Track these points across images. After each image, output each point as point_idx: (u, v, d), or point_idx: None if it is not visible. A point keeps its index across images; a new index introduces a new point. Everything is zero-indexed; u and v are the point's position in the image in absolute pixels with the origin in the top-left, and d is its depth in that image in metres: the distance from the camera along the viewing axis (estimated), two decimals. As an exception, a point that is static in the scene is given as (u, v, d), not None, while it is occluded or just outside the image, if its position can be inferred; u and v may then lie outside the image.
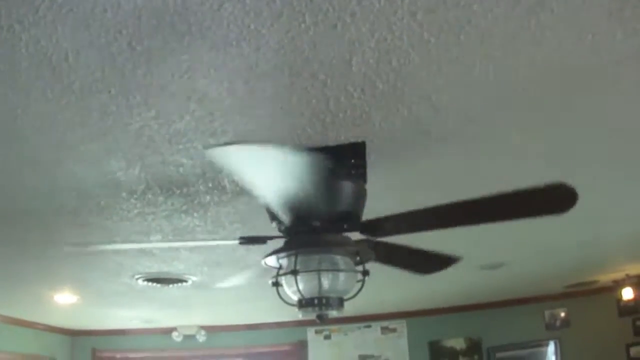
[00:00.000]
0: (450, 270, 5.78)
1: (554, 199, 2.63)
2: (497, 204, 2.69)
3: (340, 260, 2.89)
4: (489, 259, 5.56)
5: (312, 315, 2.89)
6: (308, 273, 2.83)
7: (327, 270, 2.85)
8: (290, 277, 2.81)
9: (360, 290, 2.89)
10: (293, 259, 2.82)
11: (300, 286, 2.81)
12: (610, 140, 3.12)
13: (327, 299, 2.84)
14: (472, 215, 2.83)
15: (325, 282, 2.85)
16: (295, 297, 2.87)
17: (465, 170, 3.38)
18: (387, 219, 2.86)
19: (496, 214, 2.81)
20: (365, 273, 2.87)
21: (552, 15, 2.06)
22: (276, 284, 2.90)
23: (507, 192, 2.55)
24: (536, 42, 2.20)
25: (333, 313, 2.88)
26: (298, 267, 2.79)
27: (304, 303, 2.84)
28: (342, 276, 2.87)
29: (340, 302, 2.89)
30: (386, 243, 3.06)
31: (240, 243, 3.05)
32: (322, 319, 2.88)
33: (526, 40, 2.19)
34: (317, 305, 2.84)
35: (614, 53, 2.32)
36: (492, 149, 3.12)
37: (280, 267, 2.91)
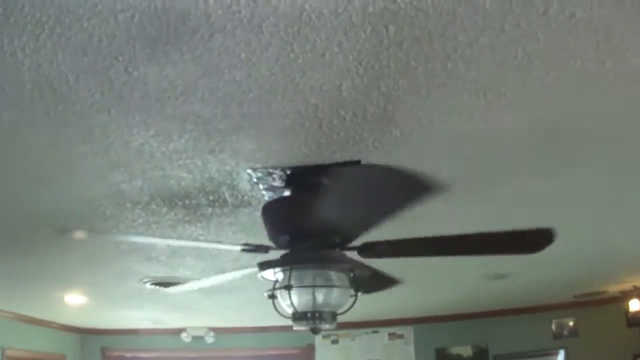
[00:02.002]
0: (456, 278, 5.87)
1: (533, 240, 2.81)
2: (480, 241, 2.88)
3: (334, 276, 2.95)
4: (494, 269, 5.59)
5: (305, 328, 2.96)
6: (302, 287, 2.90)
7: (321, 286, 2.92)
8: (285, 292, 2.87)
9: (352, 305, 2.94)
10: (288, 273, 2.89)
11: (294, 300, 2.88)
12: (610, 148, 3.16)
13: (321, 313, 2.90)
14: (460, 248, 2.99)
15: (319, 297, 2.91)
16: (289, 311, 2.94)
17: (458, 193, 3.42)
18: (384, 243, 2.94)
19: (477, 250, 2.99)
20: (358, 289, 2.93)
21: (538, 44, 2.10)
22: (272, 297, 2.96)
23: (492, 232, 2.84)
24: (524, 69, 2.25)
25: (326, 327, 2.94)
26: (292, 282, 2.86)
27: (297, 316, 2.91)
28: (335, 292, 2.94)
29: (333, 316, 2.95)
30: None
31: (243, 250, 3.11)
32: (315, 332, 2.95)
33: (514, 67, 2.24)
34: (311, 319, 2.90)
35: (603, 80, 2.37)
36: (483, 168, 3.17)
37: (277, 280, 2.98)
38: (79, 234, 4.16)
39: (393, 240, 2.90)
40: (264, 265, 2.95)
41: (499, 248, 3.04)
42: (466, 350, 7.86)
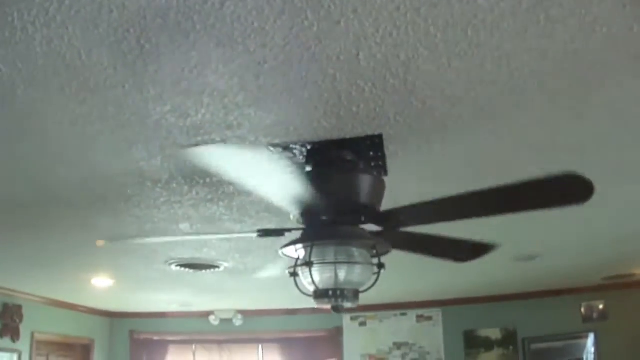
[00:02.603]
0: (485, 261, 5.76)
1: (570, 190, 2.59)
2: (512, 194, 2.66)
3: (357, 252, 2.89)
4: (524, 250, 5.52)
5: (327, 306, 2.91)
6: (324, 265, 2.85)
7: (343, 262, 2.87)
8: (306, 269, 2.83)
9: (375, 282, 2.89)
10: (309, 250, 2.85)
11: (316, 278, 2.83)
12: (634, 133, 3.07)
13: (343, 290, 2.85)
14: (489, 205, 2.81)
15: (341, 274, 2.86)
16: (311, 288, 2.89)
17: (482, 161, 3.35)
18: (403, 209, 2.86)
19: (512, 205, 2.79)
20: (381, 266, 2.87)
21: (562, 9, 2.02)
22: (294, 274, 2.92)
23: (522, 181, 2.52)
24: (547, 35, 2.17)
25: (348, 305, 2.89)
26: (313, 259, 2.81)
27: (318, 294, 2.87)
28: (357, 268, 2.88)
29: (356, 294, 2.89)
30: (413, 233, 3.06)
31: (259, 236, 3.08)
32: (337, 311, 2.90)
33: (536, 34, 2.15)
34: (332, 297, 2.85)
35: (631, 47, 2.28)
36: (508, 142, 3.09)
37: (298, 258, 2.94)
38: (100, 243, 4.19)
39: (410, 205, 2.80)
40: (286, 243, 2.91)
41: (537, 200, 2.79)
42: (495, 333, 7.80)
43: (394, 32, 2.11)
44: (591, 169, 3.41)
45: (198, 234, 4.15)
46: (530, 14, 2.04)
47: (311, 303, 2.97)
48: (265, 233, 3.04)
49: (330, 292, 2.84)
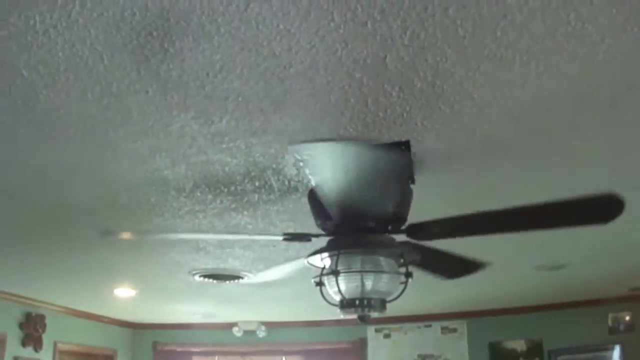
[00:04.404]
0: (510, 271, 5.72)
1: (602, 208, 2.57)
2: (542, 213, 2.65)
3: (384, 261, 2.85)
4: (550, 260, 5.43)
5: (353, 316, 2.87)
6: (350, 274, 2.80)
7: (370, 271, 2.82)
8: (332, 278, 2.79)
9: (402, 292, 2.84)
10: (335, 259, 2.80)
11: (342, 287, 2.79)
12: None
13: (369, 300, 2.81)
14: (519, 222, 2.79)
15: (368, 283, 2.81)
16: (337, 298, 2.85)
17: (515, 174, 3.29)
18: (435, 223, 2.82)
19: (540, 223, 2.78)
20: (409, 275, 2.82)
21: (592, 7, 1.96)
22: (320, 284, 2.88)
23: (555, 201, 2.53)
24: (577, 36, 2.11)
25: (375, 314, 2.84)
26: (339, 268, 2.77)
27: (345, 304, 2.82)
28: (384, 277, 2.84)
29: (383, 303, 2.85)
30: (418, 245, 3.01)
31: (284, 239, 3.06)
32: (363, 320, 2.85)
33: (566, 34, 2.09)
34: (359, 307, 2.81)
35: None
36: (540, 150, 3.03)
37: (324, 267, 2.89)
38: (126, 235, 4.15)
39: (443, 219, 2.77)
40: (312, 251, 2.87)
41: (564, 219, 2.79)
42: (520, 345, 7.68)
43: (421, 34, 2.06)
44: (618, 174, 3.38)
45: (224, 233, 4.10)
46: (559, 13, 1.98)
47: (335, 314, 2.93)
48: (291, 237, 3.00)
49: (357, 302, 2.80)
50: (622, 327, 7.32)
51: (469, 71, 2.30)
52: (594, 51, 2.21)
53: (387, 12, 1.94)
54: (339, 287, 2.77)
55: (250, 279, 4.07)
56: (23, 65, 2.22)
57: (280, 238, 3.04)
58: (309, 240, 2.98)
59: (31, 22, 1.97)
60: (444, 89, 2.41)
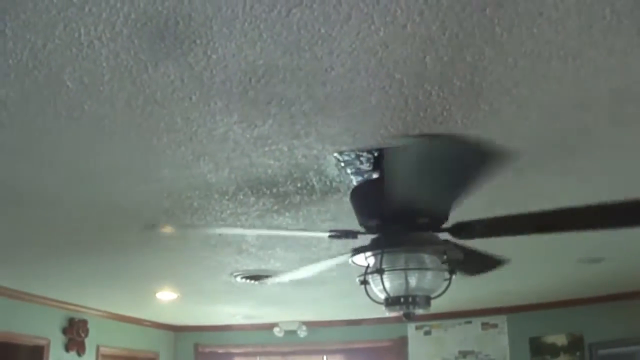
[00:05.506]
0: (550, 264, 5.70)
1: None
2: (587, 214, 2.66)
3: (427, 258, 2.87)
4: (590, 253, 5.39)
5: (398, 313, 2.90)
6: (394, 271, 2.83)
7: (414, 269, 2.85)
8: (377, 276, 2.82)
9: (447, 288, 2.86)
10: (379, 257, 2.83)
11: (387, 285, 2.82)
12: None
13: (414, 297, 2.84)
14: (561, 224, 2.81)
15: (412, 281, 2.84)
16: (382, 296, 2.88)
17: (555, 173, 3.30)
18: (479, 222, 2.83)
19: (585, 225, 2.79)
20: (452, 272, 2.85)
21: (628, 2, 1.96)
22: (364, 282, 2.91)
23: (599, 204, 2.56)
24: (613, 30, 2.11)
25: (420, 311, 2.87)
26: (384, 266, 2.80)
27: (390, 301, 2.85)
28: (429, 275, 2.86)
29: (427, 300, 2.87)
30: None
31: (330, 236, 3.07)
32: (409, 318, 2.88)
33: (603, 29, 2.10)
34: (404, 304, 2.84)
35: None
36: (580, 148, 3.03)
37: (368, 266, 2.92)
38: (167, 228, 4.21)
39: (487, 219, 2.79)
40: (355, 250, 2.90)
41: (609, 221, 2.81)
42: (561, 339, 7.63)
43: (460, 34, 2.09)
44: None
45: (268, 227, 4.13)
46: (595, 7, 1.99)
47: (375, 313, 2.97)
48: (337, 234, 3.03)
49: (402, 299, 2.82)
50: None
51: (506, 68, 2.31)
52: (631, 44, 2.21)
53: (426, 14, 1.97)
54: (383, 285, 2.80)
55: (283, 277, 4.09)
56: (68, 77, 2.28)
57: (326, 235, 3.07)
58: (356, 237, 3.00)
59: (76, 35, 2.02)
60: (482, 87, 2.43)
